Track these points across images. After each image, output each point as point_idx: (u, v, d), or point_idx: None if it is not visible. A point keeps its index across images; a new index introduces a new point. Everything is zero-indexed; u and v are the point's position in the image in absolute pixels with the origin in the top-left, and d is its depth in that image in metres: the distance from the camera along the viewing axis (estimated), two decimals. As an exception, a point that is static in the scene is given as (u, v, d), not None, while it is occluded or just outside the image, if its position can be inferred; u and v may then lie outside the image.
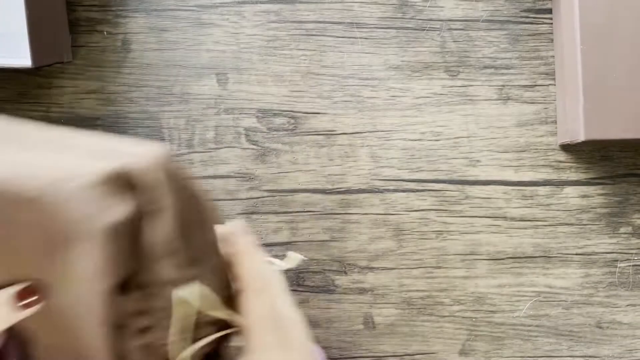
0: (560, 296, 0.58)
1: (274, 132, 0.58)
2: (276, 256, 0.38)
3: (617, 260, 0.58)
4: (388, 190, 0.58)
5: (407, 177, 0.58)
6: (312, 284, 0.58)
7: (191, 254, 0.31)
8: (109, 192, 0.28)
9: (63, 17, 0.56)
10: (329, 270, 0.58)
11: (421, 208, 0.58)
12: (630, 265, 0.58)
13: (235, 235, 0.34)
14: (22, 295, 0.30)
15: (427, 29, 0.58)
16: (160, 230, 0.29)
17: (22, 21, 0.50)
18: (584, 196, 0.58)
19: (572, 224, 0.58)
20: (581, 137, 0.53)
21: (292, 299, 0.34)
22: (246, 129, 0.58)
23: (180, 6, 0.58)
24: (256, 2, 0.58)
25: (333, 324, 0.57)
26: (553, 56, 0.58)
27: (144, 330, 0.30)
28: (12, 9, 0.50)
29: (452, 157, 0.58)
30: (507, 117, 0.58)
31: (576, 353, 0.58)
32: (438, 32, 0.58)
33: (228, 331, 0.33)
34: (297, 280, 0.58)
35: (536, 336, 0.58)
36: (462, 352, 0.57)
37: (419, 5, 0.58)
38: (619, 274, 0.58)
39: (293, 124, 0.58)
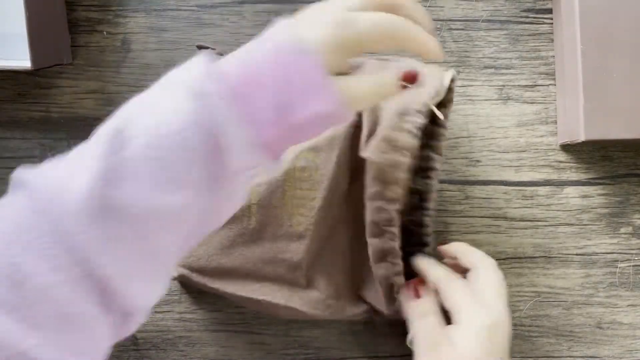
0: (561, 296, 0.58)
1: (274, 132, 0.58)
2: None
3: (618, 261, 0.58)
4: (388, 191, 0.57)
5: (407, 177, 0.58)
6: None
7: None
8: None
9: (63, 20, 0.56)
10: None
11: (421, 208, 0.58)
12: (630, 266, 0.58)
13: None
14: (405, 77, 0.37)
15: (427, 29, 0.58)
16: None
17: (22, 23, 0.50)
18: (584, 196, 0.58)
19: (572, 224, 0.58)
20: (581, 137, 0.53)
21: None
22: (246, 129, 0.57)
23: (180, 6, 0.58)
24: (256, 2, 0.58)
25: (334, 323, 0.57)
26: (553, 56, 0.58)
27: None
28: (12, 11, 0.50)
29: (452, 157, 0.58)
30: (507, 117, 0.58)
31: (576, 353, 0.58)
32: (438, 32, 0.58)
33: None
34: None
35: (536, 336, 0.58)
36: (462, 353, 0.57)
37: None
38: (619, 274, 0.58)
39: (293, 124, 0.58)
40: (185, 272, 0.52)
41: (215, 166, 0.34)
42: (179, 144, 0.33)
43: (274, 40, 0.35)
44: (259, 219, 0.50)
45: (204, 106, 0.33)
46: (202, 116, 0.33)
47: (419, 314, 0.47)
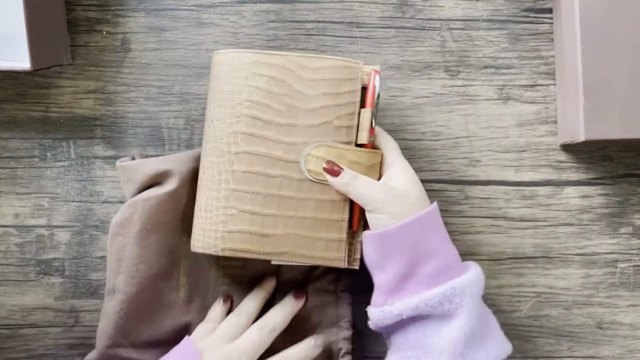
0: (561, 297, 0.58)
1: (274, 132, 0.57)
2: None
3: (618, 261, 0.58)
4: (388, 190, 0.57)
5: (407, 177, 0.58)
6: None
7: None
8: None
9: (63, 21, 0.56)
10: (329, 270, 0.57)
11: (421, 208, 0.57)
12: (630, 266, 0.58)
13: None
14: None
15: (427, 28, 0.58)
16: None
17: (21, 23, 0.50)
18: (584, 196, 0.58)
19: (572, 224, 0.58)
20: (581, 137, 0.53)
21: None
22: (246, 129, 0.57)
23: (180, 6, 0.58)
24: (256, 2, 0.58)
25: (333, 324, 0.57)
26: (553, 56, 0.58)
27: None
28: (12, 11, 0.50)
29: (452, 157, 0.58)
30: (507, 117, 0.58)
31: (576, 354, 0.58)
32: (438, 31, 0.58)
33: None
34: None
35: (536, 337, 0.58)
36: (462, 353, 0.57)
37: (418, 5, 0.58)
38: (619, 275, 0.58)
39: (293, 124, 0.57)
40: (110, 352, 0.52)
41: None
42: None
43: None
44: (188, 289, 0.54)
45: None
46: None
47: (350, 178, 0.49)
